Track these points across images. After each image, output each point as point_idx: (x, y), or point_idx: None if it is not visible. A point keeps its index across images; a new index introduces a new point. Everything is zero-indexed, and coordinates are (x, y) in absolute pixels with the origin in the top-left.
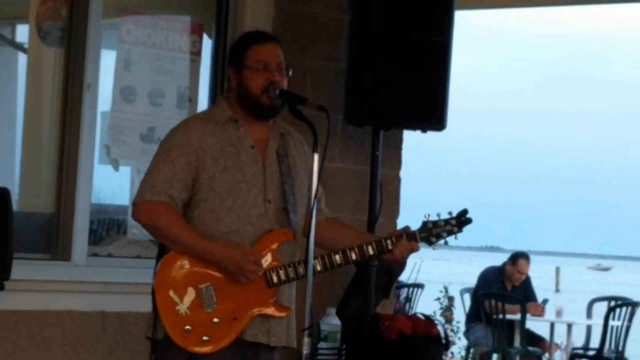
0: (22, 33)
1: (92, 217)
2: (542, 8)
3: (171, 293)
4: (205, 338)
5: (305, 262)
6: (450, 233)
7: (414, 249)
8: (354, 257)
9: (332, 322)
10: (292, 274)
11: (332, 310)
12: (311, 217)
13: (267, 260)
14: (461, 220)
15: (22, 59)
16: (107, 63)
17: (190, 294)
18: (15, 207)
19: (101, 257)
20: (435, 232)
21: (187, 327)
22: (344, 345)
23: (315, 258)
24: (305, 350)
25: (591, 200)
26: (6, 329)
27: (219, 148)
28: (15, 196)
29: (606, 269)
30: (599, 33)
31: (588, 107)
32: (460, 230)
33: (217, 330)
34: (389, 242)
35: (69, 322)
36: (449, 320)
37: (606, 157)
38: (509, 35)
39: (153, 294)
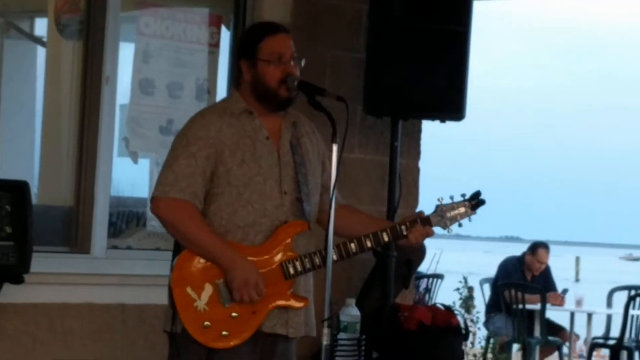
0: (41, 26)
1: (111, 210)
2: None
3: (189, 290)
4: (224, 333)
5: (321, 252)
6: (464, 216)
7: (429, 234)
8: (369, 244)
9: (351, 312)
10: (308, 265)
11: (352, 301)
12: (330, 208)
13: (281, 251)
14: (474, 202)
15: (41, 52)
16: (125, 56)
17: (208, 289)
18: (34, 200)
19: (120, 250)
20: (449, 215)
21: (207, 323)
22: (364, 336)
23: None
24: (325, 341)
25: (622, 190)
26: (26, 322)
27: (235, 140)
28: (34, 189)
29: (638, 259)
30: (614, 24)
31: (613, 99)
32: (474, 212)
33: (236, 324)
34: (403, 227)
35: (89, 315)
36: (469, 308)
37: (633, 148)
38: (527, 26)
39: (170, 290)
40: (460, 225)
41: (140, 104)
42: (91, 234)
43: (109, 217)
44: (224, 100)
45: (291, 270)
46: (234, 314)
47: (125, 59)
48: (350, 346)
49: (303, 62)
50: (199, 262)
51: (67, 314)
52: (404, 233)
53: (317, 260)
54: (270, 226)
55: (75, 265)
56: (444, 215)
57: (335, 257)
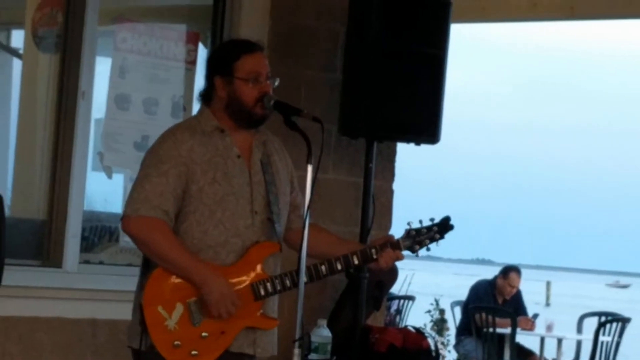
0: (18, 38)
1: (84, 224)
2: (537, 22)
3: (160, 309)
4: (194, 352)
5: (291, 273)
6: (432, 240)
7: (399, 258)
8: (339, 267)
9: (322, 333)
10: (278, 286)
11: (323, 322)
12: (303, 229)
13: (253, 272)
14: (443, 227)
15: (17, 64)
16: (102, 70)
17: (179, 309)
18: (7, 212)
19: (93, 265)
20: (418, 239)
21: (177, 342)
22: (335, 357)
23: None
24: None
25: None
26: None
27: (207, 159)
28: (7, 201)
29: (625, 286)
30: (589, 48)
31: (581, 120)
32: (442, 237)
33: (206, 344)
34: (373, 251)
35: (59, 329)
36: (442, 331)
37: (604, 168)
38: (504, 49)
39: (141, 309)
40: (428, 249)
41: (115, 119)
42: (63, 248)
43: (82, 231)
44: (194, 118)
45: (262, 292)
46: (204, 334)
47: (101, 73)
48: None
49: (277, 82)
50: (171, 281)
51: (37, 328)
52: (374, 257)
53: (287, 282)
54: (242, 246)
55: (47, 279)
56: (413, 239)
57: (305, 279)
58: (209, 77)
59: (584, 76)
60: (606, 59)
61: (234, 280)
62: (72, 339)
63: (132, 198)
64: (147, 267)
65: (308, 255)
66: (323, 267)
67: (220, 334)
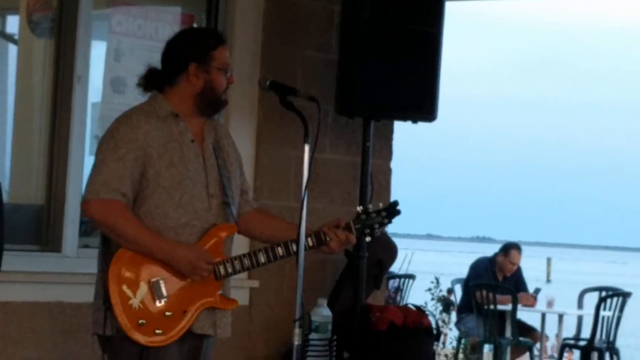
0: (12, 24)
1: None
2: None
3: (124, 288)
4: (158, 331)
5: (250, 254)
6: (381, 224)
7: (350, 240)
8: (294, 248)
9: (323, 313)
10: (238, 266)
11: (323, 301)
12: (302, 209)
13: (214, 254)
14: (391, 212)
15: (13, 50)
16: (97, 54)
17: (143, 288)
18: (5, 198)
19: (92, 249)
20: (368, 223)
21: (141, 321)
22: (335, 336)
23: (259, 250)
24: (296, 342)
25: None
26: None
27: (163, 143)
28: (6, 187)
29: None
30: (583, 23)
31: (585, 96)
32: (390, 221)
33: (169, 323)
34: (326, 234)
35: (60, 314)
36: (448, 307)
37: (606, 145)
38: (499, 25)
39: (105, 290)
40: (378, 233)
41: (112, 103)
42: (62, 232)
43: (81, 216)
44: (147, 103)
45: (222, 271)
46: (167, 313)
47: (97, 57)
48: (321, 346)
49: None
50: (134, 261)
51: (37, 313)
52: (327, 239)
53: (246, 262)
54: (201, 228)
55: (46, 264)
56: (364, 222)
57: (263, 260)
58: (180, 62)
59: (585, 51)
60: (607, 34)
61: None
62: (72, 324)
63: (91, 182)
64: (107, 248)
65: (259, 239)
66: (279, 249)
67: (182, 313)
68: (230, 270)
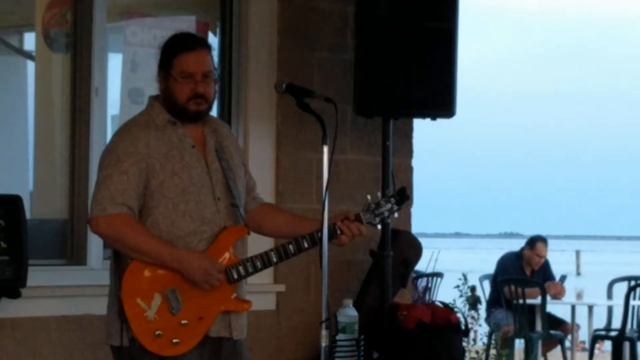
0: (29, 41)
1: None
2: None
3: (138, 300)
4: (175, 341)
5: (262, 256)
6: (390, 212)
7: (361, 231)
8: (306, 245)
9: (349, 313)
10: (250, 269)
11: (349, 302)
12: (323, 210)
13: (225, 257)
14: (400, 198)
15: (31, 66)
16: (114, 66)
17: (157, 299)
18: (29, 214)
19: None
20: (377, 212)
21: (158, 332)
22: (362, 336)
23: (270, 250)
24: (324, 343)
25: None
26: (25, 336)
27: (164, 153)
28: (29, 203)
29: None
30: (602, 13)
31: (604, 86)
32: (399, 207)
33: (186, 331)
34: (337, 226)
35: (88, 327)
36: (475, 303)
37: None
38: (513, 18)
39: (119, 303)
40: (388, 221)
41: (130, 114)
42: (87, 245)
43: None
44: (145, 113)
45: (235, 275)
46: (183, 322)
47: (113, 69)
48: (349, 347)
49: (216, 82)
50: (147, 272)
51: (66, 327)
52: (338, 232)
53: (258, 264)
54: (211, 233)
55: (72, 277)
56: (373, 212)
57: (275, 259)
58: (157, 69)
59: (607, 41)
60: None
61: None
62: (101, 336)
63: (97, 199)
64: (118, 262)
65: (268, 235)
66: (291, 247)
67: (199, 320)
68: (242, 272)
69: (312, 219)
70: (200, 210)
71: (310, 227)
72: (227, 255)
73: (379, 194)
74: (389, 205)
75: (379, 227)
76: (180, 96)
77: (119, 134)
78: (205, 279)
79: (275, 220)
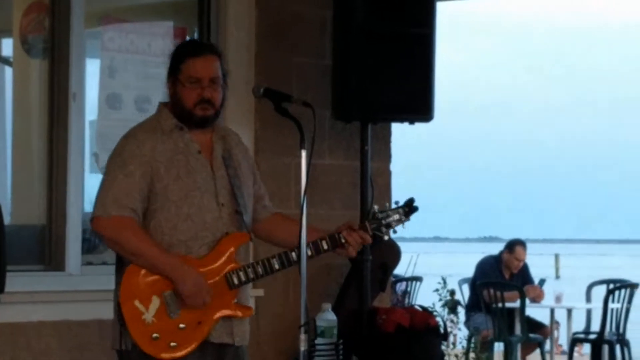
0: (7, 47)
1: (84, 226)
2: None
3: (136, 303)
4: (173, 344)
5: (263, 261)
6: (398, 222)
7: (365, 240)
8: (309, 253)
9: (328, 317)
10: (251, 274)
11: (328, 306)
12: (301, 215)
13: (227, 263)
14: (408, 209)
15: (9, 72)
16: (91, 72)
17: (155, 302)
18: (7, 220)
19: (96, 266)
20: (385, 222)
21: (155, 335)
22: (341, 340)
23: (272, 257)
24: (303, 347)
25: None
26: (3, 342)
27: (169, 157)
28: (7, 209)
29: None
30: (578, 24)
31: (579, 96)
32: (407, 218)
33: (184, 335)
34: (341, 235)
35: (66, 332)
36: (454, 307)
37: (607, 142)
38: (491, 25)
39: (118, 306)
40: (394, 232)
41: (108, 119)
42: (65, 251)
43: (83, 233)
44: (153, 118)
45: (235, 281)
46: (181, 325)
47: (91, 75)
48: (328, 351)
49: (225, 87)
50: (145, 275)
51: (44, 332)
52: (342, 241)
53: (259, 270)
54: (213, 239)
55: (51, 282)
56: (380, 222)
57: (277, 267)
58: (167, 75)
59: (572, 51)
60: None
61: (206, 271)
62: (79, 341)
63: (100, 199)
64: (121, 264)
65: (276, 244)
66: (293, 254)
67: (197, 325)
68: (243, 278)
69: (318, 228)
70: (202, 215)
71: (319, 236)
72: (228, 260)
73: (387, 204)
74: (397, 216)
75: (386, 237)
76: (187, 101)
77: (125, 138)
78: (194, 296)
79: (286, 229)
